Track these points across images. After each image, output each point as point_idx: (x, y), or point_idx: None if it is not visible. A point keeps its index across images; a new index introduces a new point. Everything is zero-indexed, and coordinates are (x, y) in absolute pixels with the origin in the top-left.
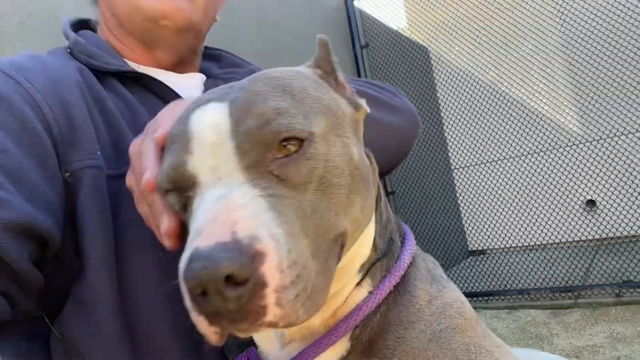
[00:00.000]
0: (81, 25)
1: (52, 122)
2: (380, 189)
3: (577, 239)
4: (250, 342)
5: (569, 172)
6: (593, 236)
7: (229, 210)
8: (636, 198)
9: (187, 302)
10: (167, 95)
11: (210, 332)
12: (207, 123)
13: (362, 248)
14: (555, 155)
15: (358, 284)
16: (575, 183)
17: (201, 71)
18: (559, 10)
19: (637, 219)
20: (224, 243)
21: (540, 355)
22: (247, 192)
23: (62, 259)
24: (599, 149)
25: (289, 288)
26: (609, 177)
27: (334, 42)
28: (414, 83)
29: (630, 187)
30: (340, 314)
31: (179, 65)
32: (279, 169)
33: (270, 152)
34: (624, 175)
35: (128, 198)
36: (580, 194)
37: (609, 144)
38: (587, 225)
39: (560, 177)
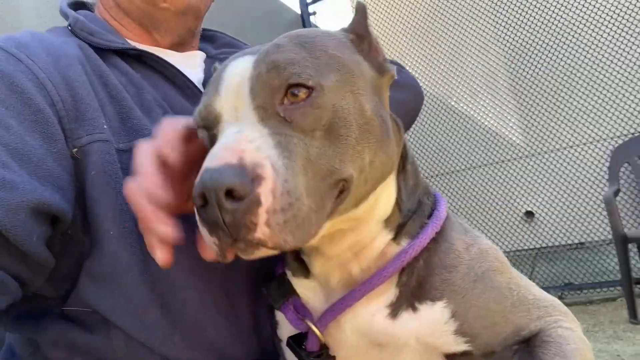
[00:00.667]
0: (76, 6)
1: (56, 98)
2: (409, 155)
3: (518, 248)
4: (293, 293)
5: (510, 184)
6: (533, 245)
7: (240, 142)
8: (571, 209)
9: (197, 217)
10: (169, 72)
11: (210, 242)
12: (235, 70)
13: (380, 203)
14: (499, 168)
15: (395, 240)
16: (515, 195)
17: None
18: (501, 31)
19: (572, 228)
20: (231, 164)
21: None
22: (258, 130)
23: (70, 236)
24: (539, 163)
25: (279, 213)
26: (546, 189)
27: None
28: None
29: (566, 199)
30: (381, 264)
31: (178, 46)
32: (288, 112)
33: (278, 95)
34: (560, 187)
35: None
36: (520, 205)
37: (547, 158)
38: (527, 235)
39: (502, 190)
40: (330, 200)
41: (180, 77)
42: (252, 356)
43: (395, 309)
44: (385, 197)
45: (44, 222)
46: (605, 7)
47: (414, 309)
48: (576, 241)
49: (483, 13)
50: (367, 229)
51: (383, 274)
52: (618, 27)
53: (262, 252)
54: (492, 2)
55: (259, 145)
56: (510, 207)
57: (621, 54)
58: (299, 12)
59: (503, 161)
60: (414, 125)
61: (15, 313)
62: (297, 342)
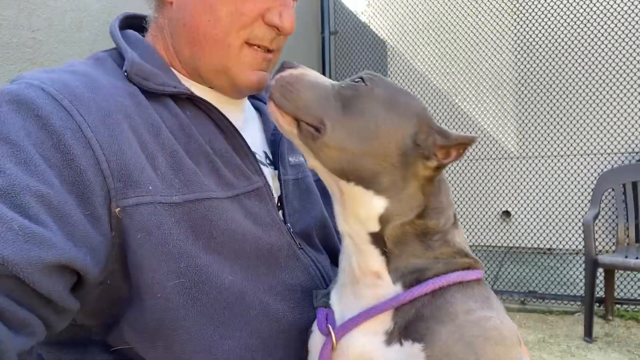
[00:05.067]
0: (128, 20)
1: (101, 158)
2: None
3: (491, 244)
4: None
5: (494, 183)
6: (506, 244)
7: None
8: (547, 214)
9: None
10: (215, 116)
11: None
12: None
13: (357, 203)
14: (484, 166)
15: (388, 265)
16: (497, 194)
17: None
18: (513, 37)
19: (544, 231)
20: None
21: None
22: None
23: (109, 285)
24: (526, 167)
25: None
26: (526, 192)
27: (304, 25)
28: None
29: (544, 204)
30: (390, 293)
31: None
32: None
33: None
34: (541, 193)
35: (195, 226)
36: (500, 204)
37: (535, 163)
38: (501, 233)
39: (485, 187)
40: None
41: (225, 123)
42: None
43: (390, 339)
44: (364, 202)
45: (70, 274)
46: (619, 23)
47: (401, 343)
48: (546, 246)
49: (501, 15)
50: (357, 218)
51: (379, 307)
52: (628, 50)
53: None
54: (511, 5)
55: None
56: (490, 205)
57: (617, 78)
58: None
59: (489, 159)
60: None
61: (57, 339)
62: None
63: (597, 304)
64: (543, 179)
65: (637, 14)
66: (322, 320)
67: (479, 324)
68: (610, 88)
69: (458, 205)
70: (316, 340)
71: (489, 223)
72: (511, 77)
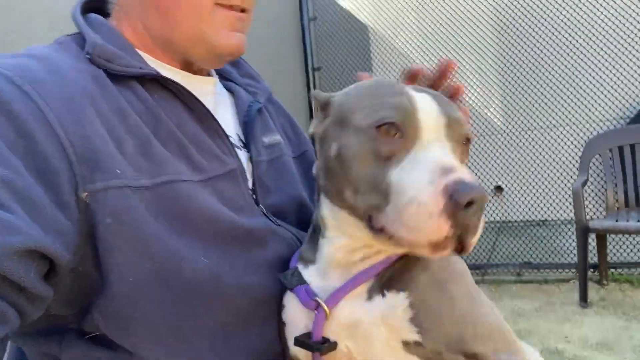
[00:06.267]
0: (89, 5)
1: (66, 143)
2: None
3: (486, 219)
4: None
5: (484, 159)
6: (498, 218)
7: (461, 167)
8: (538, 186)
9: (434, 210)
10: (186, 99)
11: (443, 231)
12: (430, 104)
13: None
14: (476, 142)
15: None
16: (488, 169)
17: (220, 73)
18: (494, 9)
19: (537, 206)
20: (477, 183)
21: None
22: (454, 158)
23: (80, 272)
24: (514, 140)
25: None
26: (518, 166)
27: (283, 11)
28: (353, 60)
29: (534, 176)
30: (374, 260)
31: (196, 70)
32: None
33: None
34: (531, 166)
35: (165, 209)
36: (492, 179)
37: (523, 136)
38: (494, 208)
39: (476, 163)
40: None
41: (196, 104)
42: None
43: (370, 294)
44: None
45: (40, 260)
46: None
47: (383, 294)
48: (539, 218)
49: None
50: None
51: (376, 267)
52: (605, 22)
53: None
54: None
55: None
56: (482, 181)
57: (599, 45)
58: None
59: (479, 135)
60: None
61: (33, 329)
62: (302, 342)
63: (592, 270)
64: (532, 152)
65: None
66: (305, 295)
67: (447, 269)
68: (592, 55)
69: None
70: (295, 314)
71: None
72: (493, 51)
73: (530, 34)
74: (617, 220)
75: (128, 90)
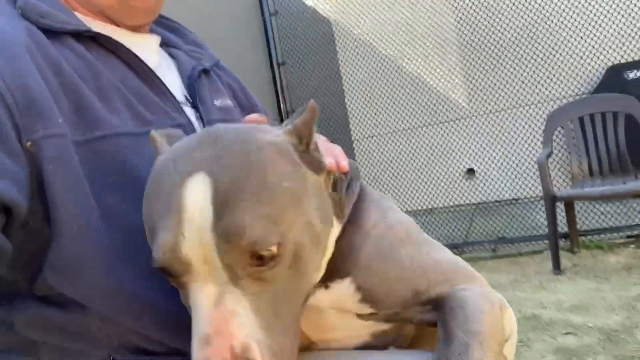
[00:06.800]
0: None
1: (5, 92)
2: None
3: (459, 203)
4: None
5: (454, 143)
6: (472, 201)
7: (225, 321)
8: (507, 166)
9: None
10: (126, 56)
11: None
12: (195, 206)
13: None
14: (444, 128)
15: None
16: (458, 153)
17: (163, 41)
18: None
19: (508, 185)
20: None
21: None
22: (234, 294)
23: (31, 227)
24: (481, 123)
25: None
26: (487, 148)
27: (243, 8)
28: (318, 54)
29: (504, 156)
30: None
31: (134, 28)
32: (256, 274)
33: (246, 258)
34: (499, 147)
35: (101, 164)
36: (463, 163)
37: (488, 119)
38: (467, 191)
39: (446, 148)
40: (302, 311)
41: (137, 62)
42: None
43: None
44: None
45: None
46: None
47: (327, 287)
48: (511, 197)
49: None
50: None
51: None
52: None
53: None
54: None
55: (241, 320)
56: (454, 165)
57: (556, 22)
58: None
59: (448, 121)
60: (365, 84)
61: None
62: None
63: (563, 239)
64: (499, 133)
65: None
66: None
67: (387, 233)
68: (550, 34)
69: (424, 170)
70: None
71: (455, 183)
72: (454, 37)
73: (489, 16)
74: (582, 188)
75: (63, 46)
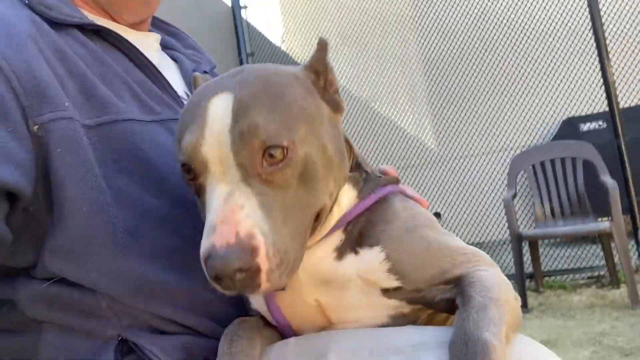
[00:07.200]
0: None
1: (11, 76)
2: (358, 155)
3: None
4: None
5: (423, 187)
6: None
7: (233, 211)
8: (474, 211)
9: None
10: (129, 51)
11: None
12: (217, 114)
13: (339, 206)
14: (413, 172)
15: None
16: (427, 197)
17: (163, 44)
18: (421, 42)
19: (474, 229)
20: (232, 245)
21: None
22: (244, 192)
23: (31, 213)
24: (449, 168)
25: (275, 270)
26: (454, 192)
27: (221, 48)
28: None
29: (470, 201)
30: (333, 220)
31: (135, 25)
32: (267, 174)
33: (258, 156)
34: (465, 191)
35: (112, 148)
36: (429, 208)
37: (456, 164)
38: None
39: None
40: (308, 230)
41: (139, 56)
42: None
43: (340, 253)
44: (342, 199)
45: (1, 199)
46: (517, 25)
47: (356, 252)
48: (477, 240)
49: (405, 24)
50: (327, 225)
51: (332, 228)
52: (520, 50)
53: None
54: (414, 14)
55: (248, 212)
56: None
57: (516, 76)
58: (230, 4)
59: (416, 166)
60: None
61: None
62: None
63: (529, 280)
64: (465, 178)
65: (533, 17)
66: None
67: (415, 216)
68: (511, 87)
69: None
70: None
71: None
72: (422, 83)
73: (454, 66)
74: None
75: (68, 36)
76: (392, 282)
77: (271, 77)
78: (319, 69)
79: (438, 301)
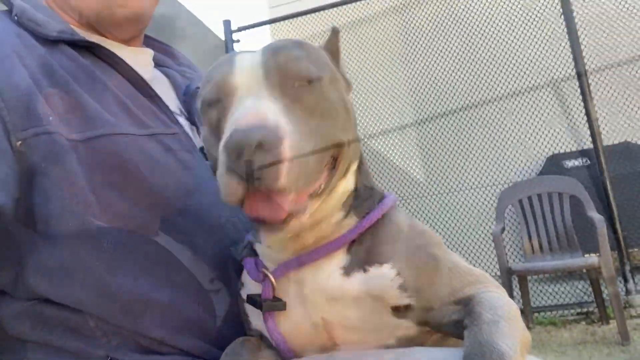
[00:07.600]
0: None
1: None
2: (364, 159)
3: None
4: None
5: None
6: None
7: (261, 108)
8: (461, 245)
9: (221, 169)
10: (120, 67)
11: (234, 187)
12: (246, 57)
13: (347, 182)
14: (404, 205)
15: (346, 216)
16: None
17: (156, 61)
18: (410, 79)
19: None
20: (258, 124)
21: None
22: (272, 102)
23: (9, 232)
24: (437, 202)
25: (295, 165)
26: (441, 226)
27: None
28: None
29: (457, 235)
30: (332, 237)
31: (126, 41)
32: (296, 95)
33: (289, 82)
34: (454, 226)
35: (101, 162)
36: None
37: (444, 198)
38: None
39: None
40: (324, 161)
41: (130, 71)
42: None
43: (347, 271)
44: (350, 177)
45: None
46: (503, 60)
47: (365, 270)
48: None
49: (395, 59)
50: (330, 205)
51: (334, 244)
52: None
53: (277, 202)
54: (403, 51)
55: (275, 111)
56: None
57: (503, 111)
58: (224, 38)
59: (405, 199)
60: None
61: None
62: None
63: None
64: (453, 212)
65: (518, 56)
66: (253, 267)
67: (422, 235)
68: (498, 124)
69: None
70: (250, 287)
71: None
72: (411, 117)
73: (444, 104)
74: (535, 263)
75: (58, 52)
76: (404, 300)
77: (298, 42)
78: (333, 50)
79: (446, 322)
